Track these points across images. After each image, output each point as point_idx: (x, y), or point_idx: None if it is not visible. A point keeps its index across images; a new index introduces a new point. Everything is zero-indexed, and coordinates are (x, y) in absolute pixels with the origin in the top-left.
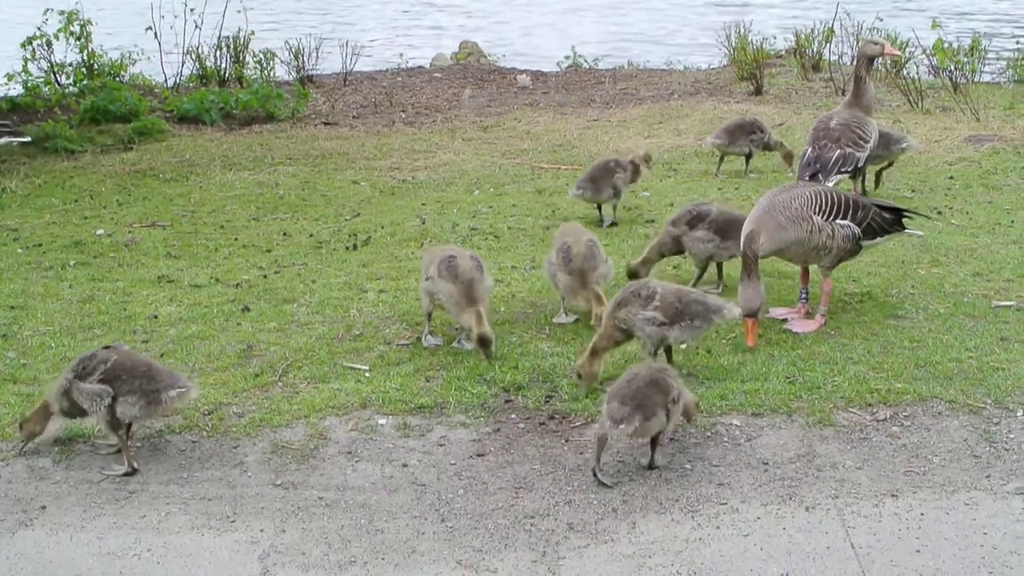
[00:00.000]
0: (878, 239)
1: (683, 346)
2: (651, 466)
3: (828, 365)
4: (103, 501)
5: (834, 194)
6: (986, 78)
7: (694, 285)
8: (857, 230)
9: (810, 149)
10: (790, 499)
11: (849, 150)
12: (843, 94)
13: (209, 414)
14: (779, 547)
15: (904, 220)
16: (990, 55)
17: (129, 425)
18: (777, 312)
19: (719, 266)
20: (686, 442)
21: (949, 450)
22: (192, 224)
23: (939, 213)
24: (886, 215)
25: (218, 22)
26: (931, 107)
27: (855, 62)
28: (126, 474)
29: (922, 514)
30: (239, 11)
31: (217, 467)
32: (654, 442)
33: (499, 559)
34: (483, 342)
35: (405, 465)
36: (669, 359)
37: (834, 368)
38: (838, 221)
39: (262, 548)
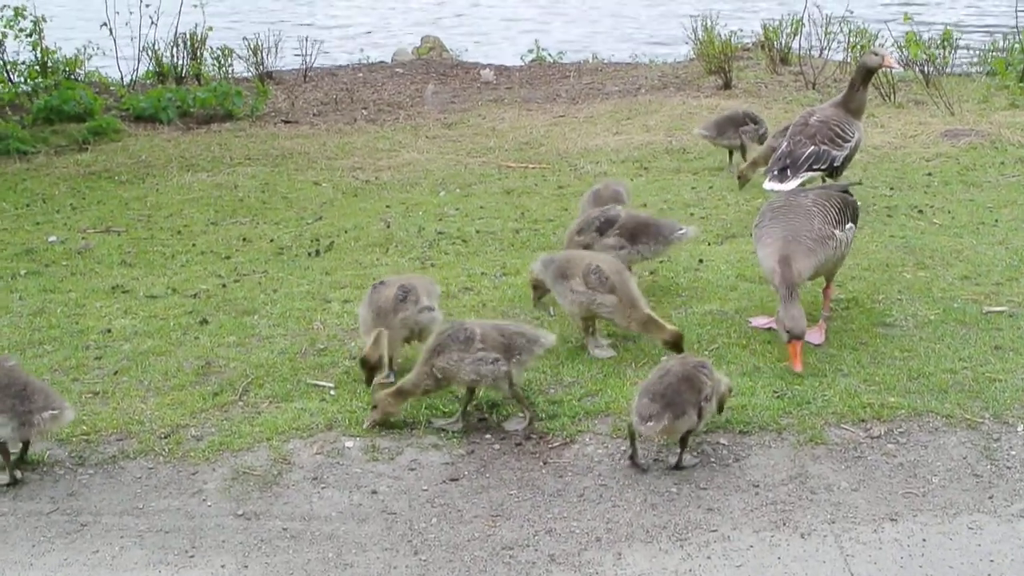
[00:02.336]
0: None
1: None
2: (678, 466)
3: (817, 378)
4: (53, 535)
5: (833, 200)
6: (957, 70)
7: None
8: (855, 228)
9: (784, 144)
10: (784, 525)
11: (824, 147)
12: (813, 87)
13: (166, 437)
14: None
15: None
16: (960, 48)
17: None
18: (759, 322)
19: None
20: (671, 462)
21: (948, 469)
22: (148, 229)
23: (920, 212)
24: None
25: (174, 18)
26: (903, 101)
27: (856, 71)
28: (7, 484)
29: (924, 540)
30: (195, 6)
31: (175, 496)
32: (684, 441)
33: None
34: (362, 363)
35: (374, 492)
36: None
37: (823, 381)
38: (848, 226)
39: None
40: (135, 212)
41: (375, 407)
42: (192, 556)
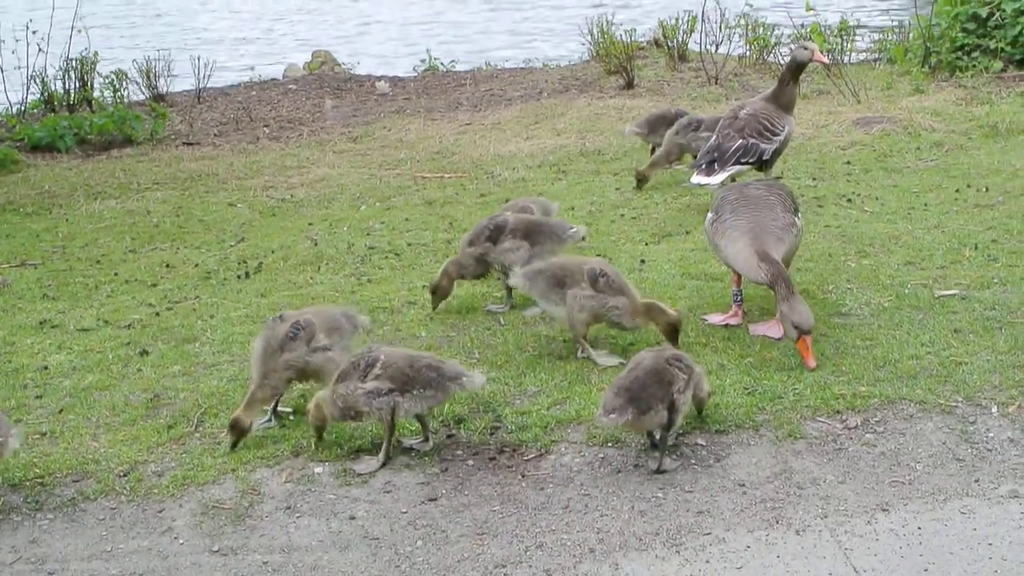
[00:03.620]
0: None
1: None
2: (659, 470)
3: (784, 372)
4: None
5: (784, 188)
6: (857, 59)
7: (508, 301)
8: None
9: (713, 137)
10: (777, 523)
11: (753, 140)
12: (716, 82)
13: (125, 475)
14: None
15: None
16: (857, 37)
17: None
18: (715, 319)
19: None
20: (652, 467)
21: (930, 455)
22: (65, 261)
23: (849, 201)
24: None
25: (64, 45)
26: (808, 92)
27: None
28: None
29: (919, 528)
30: (79, 31)
31: (144, 536)
32: (662, 442)
33: None
34: (231, 425)
35: (352, 517)
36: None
37: (791, 375)
38: (799, 214)
39: None
40: (48, 244)
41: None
42: None
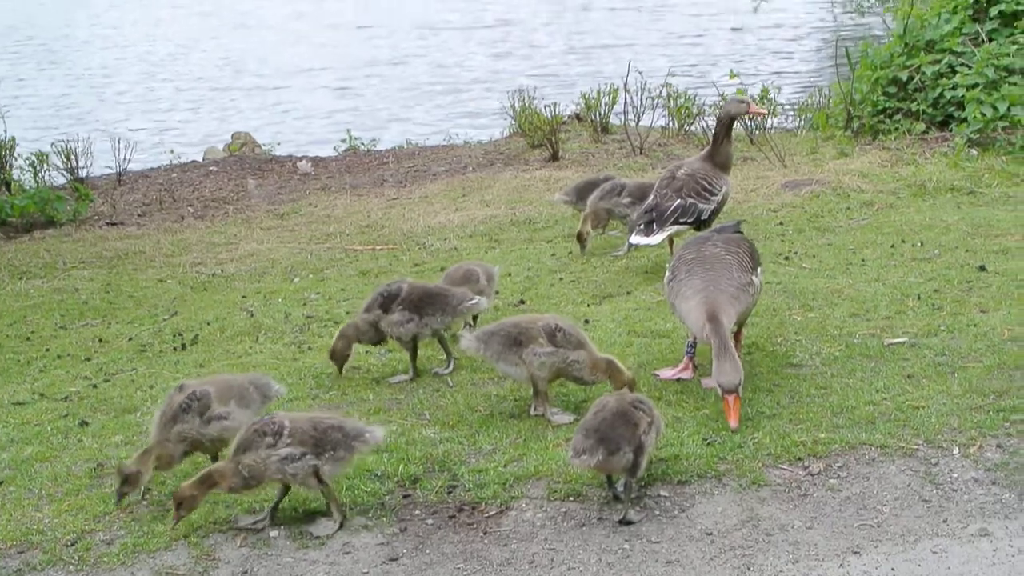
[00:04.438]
0: None
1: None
2: (624, 520)
3: (742, 422)
4: None
5: (742, 245)
6: (777, 123)
7: (412, 368)
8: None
9: (651, 198)
10: (748, 569)
11: (691, 200)
12: (641, 152)
13: (72, 544)
14: None
15: None
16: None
17: None
18: (666, 374)
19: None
20: (613, 519)
21: (896, 498)
22: None
23: (787, 259)
24: None
25: None
26: (733, 159)
27: (717, 121)
28: None
29: (892, 569)
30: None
31: None
32: (628, 489)
33: None
34: (117, 473)
35: None
36: None
37: (749, 424)
38: (759, 270)
39: None
40: None
41: (179, 504)
42: None
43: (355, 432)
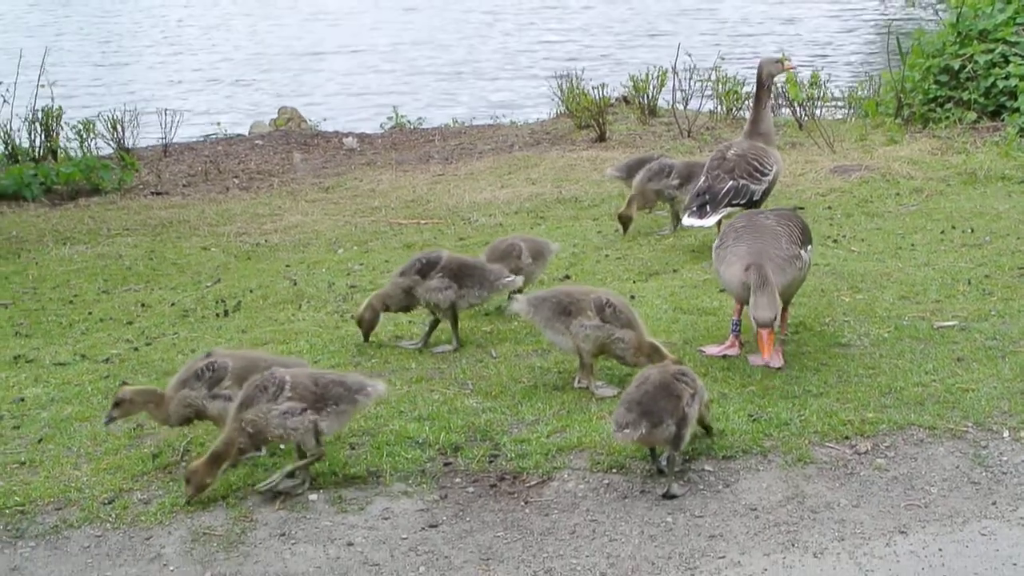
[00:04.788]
0: None
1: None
2: (668, 495)
3: (788, 400)
4: None
5: (794, 220)
6: (825, 113)
7: (428, 338)
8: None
9: (703, 179)
10: (793, 546)
11: (743, 182)
12: (688, 136)
13: (110, 503)
14: None
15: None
16: (826, 90)
17: None
18: (712, 350)
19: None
20: (656, 492)
21: (944, 479)
22: (37, 301)
23: (835, 241)
24: None
25: (30, 98)
26: (782, 143)
27: (757, 84)
28: None
29: (940, 550)
30: (43, 86)
31: (131, 563)
32: (671, 463)
33: None
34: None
35: (351, 544)
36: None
37: (796, 402)
38: (808, 247)
39: None
40: (18, 285)
41: (188, 480)
42: None
43: (358, 386)
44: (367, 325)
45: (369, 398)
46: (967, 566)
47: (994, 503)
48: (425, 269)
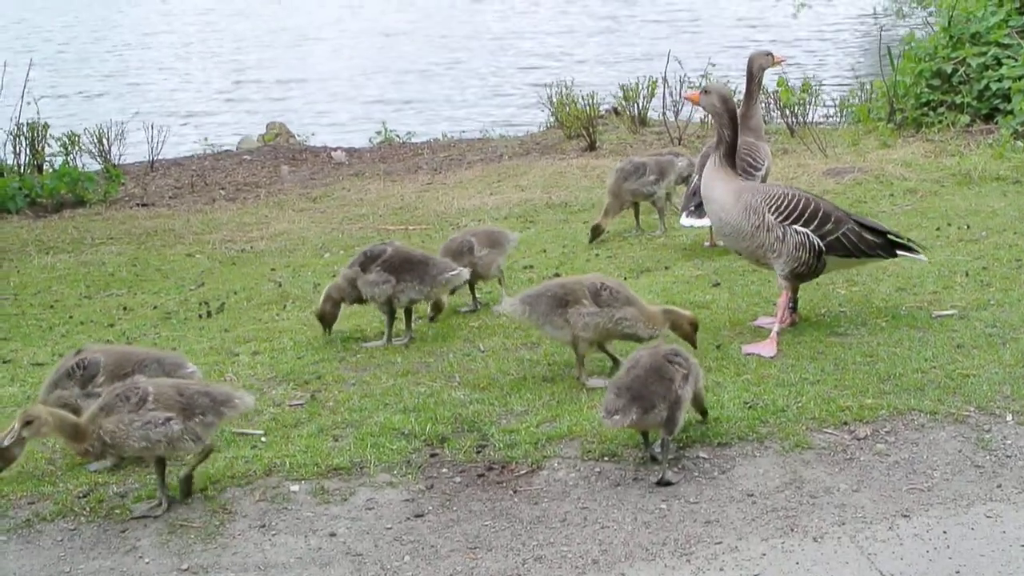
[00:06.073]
0: (852, 258)
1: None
2: (662, 482)
3: (785, 387)
4: None
5: (804, 199)
6: (817, 118)
7: (387, 334)
8: (817, 242)
9: (695, 177)
10: (792, 531)
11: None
12: (679, 143)
13: (85, 496)
14: None
15: (897, 244)
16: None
17: None
18: (763, 321)
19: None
20: (650, 480)
21: (947, 463)
22: (17, 307)
23: None
24: (868, 235)
25: (14, 112)
26: (773, 149)
27: (748, 77)
28: None
29: (945, 533)
30: (29, 103)
31: (105, 555)
32: (665, 448)
33: None
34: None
35: (333, 534)
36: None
37: (792, 390)
38: (794, 227)
39: None
40: None
41: (28, 423)
42: None
43: (224, 397)
44: (329, 317)
45: (237, 411)
46: (973, 548)
47: (999, 486)
48: (367, 262)
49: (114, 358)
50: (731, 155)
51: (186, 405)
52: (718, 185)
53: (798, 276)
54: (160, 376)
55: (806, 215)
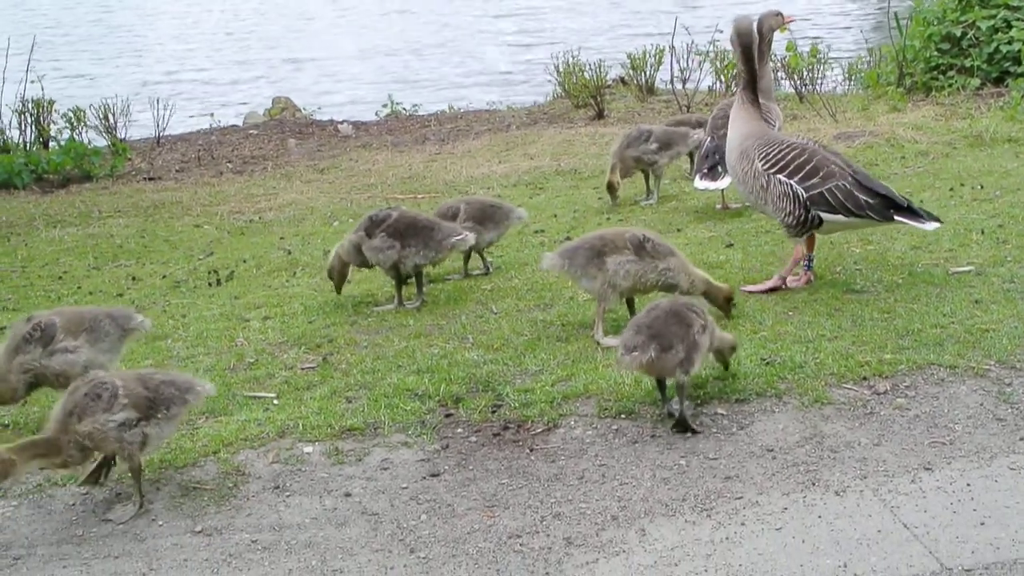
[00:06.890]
0: (841, 216)
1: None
2: (679, 425)
3: (802, 344)
4: None
5: (799, 150)
6: (825, 86)
7: (398, 298)
8: (802, 193)
9: (708, 139)
10: (814, 485)
11: None
12: (688, 111)
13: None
14: (822, 537)
15: (899, 209)
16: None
17: None
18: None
19: (418, 277)
20: (670, 438)
21: (968, 416)
22: (25, 278)
23: None
24: (861, 195)
25: (19, 88)
26: (781, 116)
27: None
28: None
29: (968, 485)
30: (33, 81)
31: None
32: (682, 389)
33: None
34: None
35: (348, 494)
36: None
37: (810, 346)
38: (778, 176)
39: None
40: (5, 265)
41: None
42: None
43: (187, 385)
44: (338, 275)
45: (199, 397)
46: (997, 500)
47: (1022, 438)
48: (372, 227)
49: (67, 317)
50: (751, 90)
51: (152, 397)
52: (732, 126)
53: (791, 228)
54: (114, 329)
55: (792, 166)
